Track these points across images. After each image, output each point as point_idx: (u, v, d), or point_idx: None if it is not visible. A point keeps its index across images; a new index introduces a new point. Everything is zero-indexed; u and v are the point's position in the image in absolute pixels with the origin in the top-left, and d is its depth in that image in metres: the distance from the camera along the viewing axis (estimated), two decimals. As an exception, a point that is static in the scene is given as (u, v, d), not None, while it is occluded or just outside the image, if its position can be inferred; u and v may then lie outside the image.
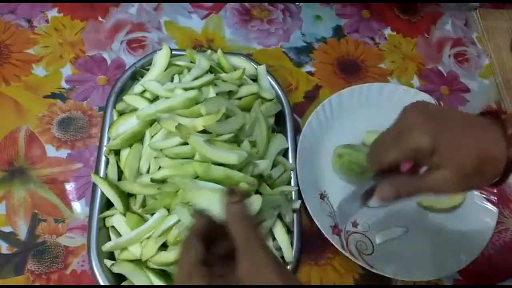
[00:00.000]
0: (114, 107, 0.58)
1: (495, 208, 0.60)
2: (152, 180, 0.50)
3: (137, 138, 0.55)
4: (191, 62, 0.61)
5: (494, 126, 0.37)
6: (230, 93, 0.58)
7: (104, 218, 0.53)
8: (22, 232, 0.55)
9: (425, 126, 0.37)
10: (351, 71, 0.72)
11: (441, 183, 0.38)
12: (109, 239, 0.52)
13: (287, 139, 0.59)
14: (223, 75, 0.59)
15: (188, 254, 0.33)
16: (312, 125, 0.62)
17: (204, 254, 0.33)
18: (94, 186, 0.53)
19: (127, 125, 0.55)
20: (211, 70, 0.59)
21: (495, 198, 0.61)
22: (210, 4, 0.75)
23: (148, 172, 0.54)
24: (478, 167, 0.36)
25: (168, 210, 0.50)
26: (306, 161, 0.59)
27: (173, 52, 0.61)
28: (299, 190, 0.56)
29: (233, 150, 0.50)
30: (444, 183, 0.37)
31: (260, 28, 0.74)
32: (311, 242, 0.57)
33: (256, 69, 0.63)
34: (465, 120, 0.39)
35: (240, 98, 0.59)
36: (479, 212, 0.60)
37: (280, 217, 0.53)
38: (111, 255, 0.52)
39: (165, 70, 0.59)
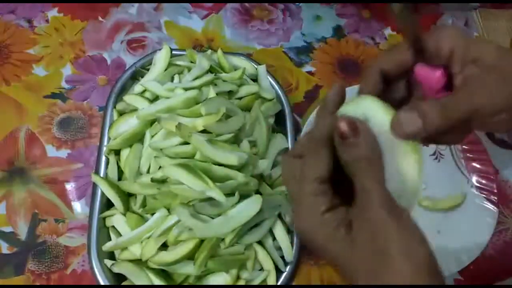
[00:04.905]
0: (114, 107, 0.58)
1: (495, 208, 0.60)
2: (152, 180, 0.50)
3: (137, 138, 0.55)
4: (191, 62, 0.61)
5: None
6: (230, 93, 0.58)
7: (104, 218, 0.53)
8: (22, 232, 0.55)
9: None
10: (351, 71, 0.72)
11: (481, 92, 0.31)
12: (109, 239, 0.52)
13: (287, 139, 0.59)
14: (223, 75, 0.59)
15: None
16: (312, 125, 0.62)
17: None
18: (94, 186, 0.53)
19: (127, 125, 0.55)
20: (211, 70, 0.59)
21: (495, 198, 0.61)
22: (210, 4, 0.75)
23: (148, 172, 0.54)
24: None
25: (168, 210, 0.50)
26: (306, 161, 0.58)
27: (173, 52, 0.61)
28: (299, 190, 0.56)
29: (233, 151, 0.50)
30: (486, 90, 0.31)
31: (260, 28, 0.74)
32: (311, 242, 0.57)
33: (256, 69, 0.63)
34: None
35: (240, 98, 0.59)
36: (479, 212, 0.60)
37: (280, 217, 0.53)
38: (111, 255, 0.52)
39: (165, 70, 0.59)
